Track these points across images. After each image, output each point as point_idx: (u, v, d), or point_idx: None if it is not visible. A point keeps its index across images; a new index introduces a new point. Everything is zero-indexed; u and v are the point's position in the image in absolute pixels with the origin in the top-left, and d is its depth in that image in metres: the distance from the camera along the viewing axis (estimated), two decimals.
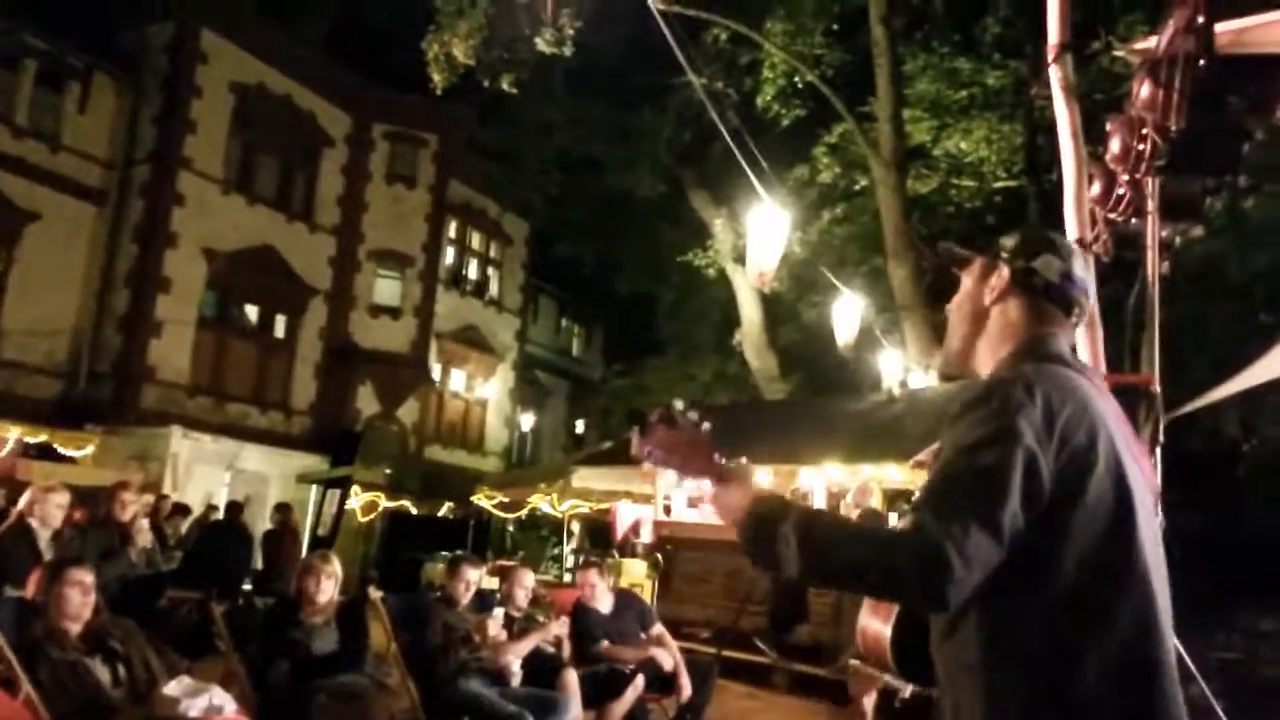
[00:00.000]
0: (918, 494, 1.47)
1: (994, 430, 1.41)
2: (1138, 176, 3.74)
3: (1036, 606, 1.41)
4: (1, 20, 15.02)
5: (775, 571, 1.47)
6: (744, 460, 1.62)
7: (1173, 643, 1.48)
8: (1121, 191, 3.89)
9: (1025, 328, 1.65)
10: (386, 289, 20.39)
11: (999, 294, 1.69)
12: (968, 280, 1.76)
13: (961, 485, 1.39)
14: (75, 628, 3.93)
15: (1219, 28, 3.49)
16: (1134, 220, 4.00)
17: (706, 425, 1.61)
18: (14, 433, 13.61)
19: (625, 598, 6.28)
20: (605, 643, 5.68)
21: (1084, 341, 3.78)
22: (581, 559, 8.15)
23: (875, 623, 1.75)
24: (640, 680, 5.30)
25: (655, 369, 23.03)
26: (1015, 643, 1.42)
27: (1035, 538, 1.39)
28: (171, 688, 3.83)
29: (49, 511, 5.59)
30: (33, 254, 15.69)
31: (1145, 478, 1.56)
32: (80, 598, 3.94)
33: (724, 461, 1.60)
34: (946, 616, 1.48)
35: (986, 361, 1.70)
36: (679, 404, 1.61)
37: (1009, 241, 1.72)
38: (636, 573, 11.07)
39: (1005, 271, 1.68)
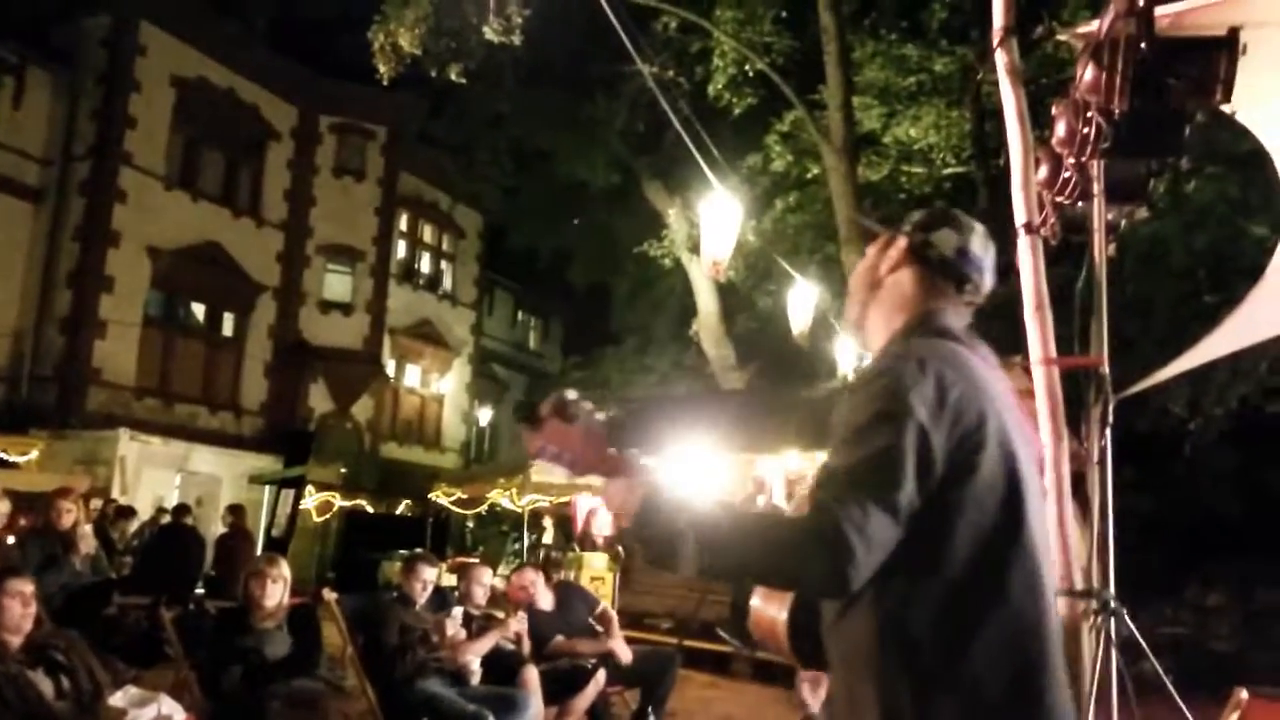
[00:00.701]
0: (815, 475, 1.45)
1: (886, 409, 1.41)
2: (1083, 159, 3.77)
3: (929, 586, 1.40)
4: None
5: (673, 571, 1.44)
6: (637, 452, 1.56)
7: (1058, 617, 1.48)
8: (1068, 175, 3.93)
9: (917, 300, 1.67)
10: (337, 284, 20.12)
11: (894, 264, 1.70)
12: (871, 251, 1.78)
13: (857, 467, 1.38)
14: (15, 640, 3.80)
15: (1158, 11, 3.52)
16: (1081, 203, 4.04)
17: (602, 415, 1.55)
18: None
19: (565, 589, 6.26)
20: (560, 637, 5.66)
21: (1034, 324, 3.81)
22: (516, 562, 8.10)
23: (770, 608, 1.73)
24: (601, 675, 5.28)
25: (613, 360, 22.98)
26: (907, 623, 1.40)
27: (927, 516, 1.39)
28: (118, 698, 3.73)
29: None
30: None
31: (1033, 453, 1.57)
32: (20, 609, 3.81)
33: (617, 453, 1.54)
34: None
35: (879, 331, 1.71)
36: (571, 393, 1.55)
37: (913, 216, 1.76)
38: (598, 565, 11.03)
39: (903, 243, 1.71)
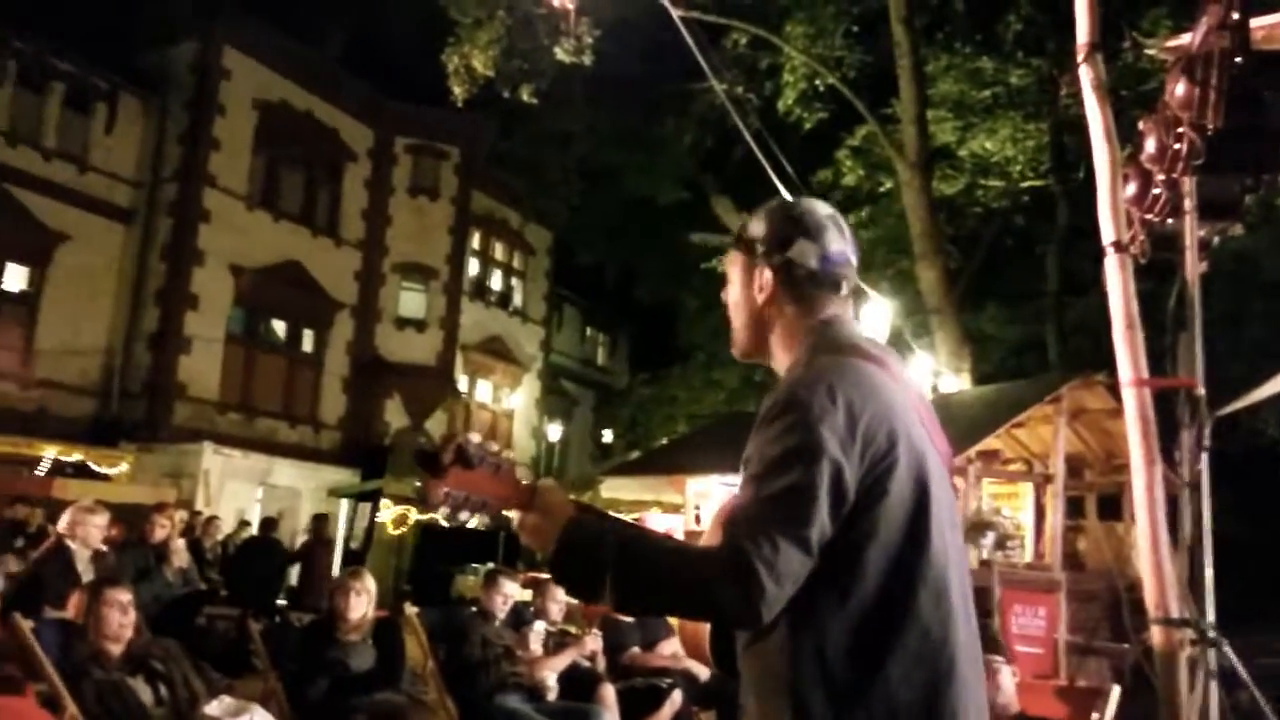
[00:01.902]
0: (729, 508, 1.47)
1: (799, 444, 1.42)
2: (1175, 176, 3.69)
3: (843, 606, 1.42)
4: (29, 44, 15.25)
5: (591, 602, 1.46)
6: (551, 481, 1.57)
7: (969, 632, 1.50)
8: (1157, 191, 3.84)
9: (803, 319, 1.65)
10: (411, 302, 20.47)
11: (769, 296, 1.67)
12: (735, 274, 1.73)
13: (770, 503, 1.40)
14: (116, 648, 3.94)
15: (1254, 23, 3.44)
16: (1170, 220, 3.95)
17: (510, 455, 1.53)
18: (50, 452, 13.77)
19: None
20: (635, 649, 5.68)
21: (1124, 345, 3.73)
22: None
23: None
24: (678, 695, 5.27)
25: (681, 377, 22.99)
26: (822, 642, 1.42)
27: (841, 542, 1.42)
28: (213, 707, 3.84)
29: (89, 532, 5.63)
30: (64, 274, 15.88)
31: (942, 460, 1.58)
32: (120, 617, 3.95)
33: (531, 484, 1.53)
34: None
35: (781, 356, 1.69)
36: (475, 437, 1.51)
37: (757, 230, 1.68)
38: None
39: (767, 273, 1.66)
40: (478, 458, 1.49)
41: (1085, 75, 4.14)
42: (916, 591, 1.44)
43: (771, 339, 1.71)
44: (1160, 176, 3.80)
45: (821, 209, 1.69)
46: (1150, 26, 10.86)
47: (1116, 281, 3.83)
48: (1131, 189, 3.98)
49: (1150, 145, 3.75)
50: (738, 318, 1.75)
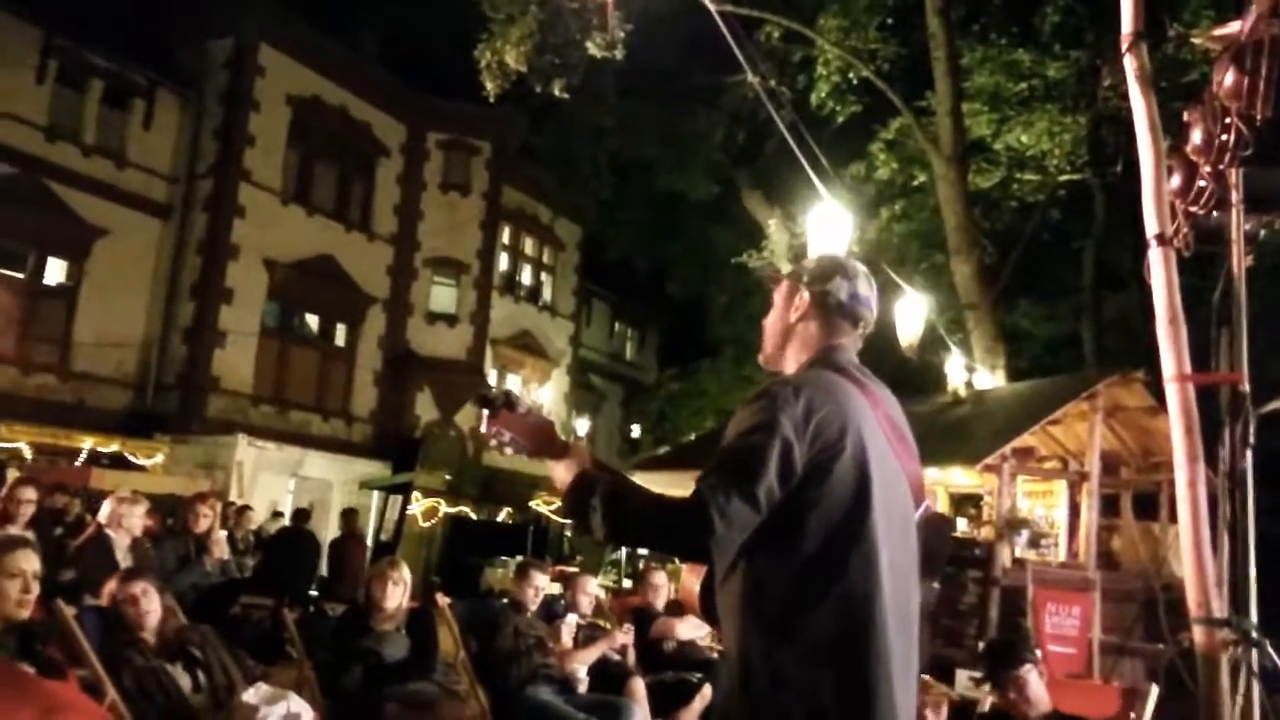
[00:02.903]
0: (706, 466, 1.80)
1: (761, 422, 1.79)
2: (1221, 167, 3.61)
3: (785, 560, 1.77)
4: (68, 42, 15.47)
5: (588, 533, 1.83)
6: (582, 440, 1.79)
7: (899, 605, 1.82)
8: (1203, 184, 3.76)
9: (820, 339, 2.07)
10: (443, 296, 20.60)
11: (802, 314, 2.09)
12: (778, 298, 2.16)
13: (730, 463, 1.77)
14: (150, 637, 3.99)
15: None
16: (1216, 213, 3.86)
17: (547, 408, 1.80)
18: (87, 442, 13.98)
19: (676, 605, 6.29)
20: (663, 617, 5.73)
21: (1167, 339, 3.65)
22: (614, 572, 8.16)
23: (692, 578, 2.09)
24: (708, 689, 5.26)
25: (710, 372, 22.93)
26: (766, 589, 1.78)
27: (788, 507, 1.76)
28: (249, 695, 3.86)
29: (131, 522, 5.70)
30: (101, 268, 16.12)
31: (906, 472, 1.97)
32: (133, 609, 3.97)
33: (566, 441, 1.92)
34: (724, 569, 1.86)
35: (793, 365, 2.09)
36: (515, 391, 1.82)
37: (809, 265, 2.16)
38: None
39: (805, 294, 2.09)
40: (523, 406, 1.89)
41: (1130, 65, 4.05)
42: (848, 556, 1.78)
43: (789, 350, 2.11)
44: (1206, 168, 3.72)
45: (860, 265, 2.14)
46: (1191, 17, 10.67)
47: (1160, 275, 3.75)
48: (1176, 181, 3.89)
49: (1196, 136, 3.66)
50: (770, 330, 2.17)
